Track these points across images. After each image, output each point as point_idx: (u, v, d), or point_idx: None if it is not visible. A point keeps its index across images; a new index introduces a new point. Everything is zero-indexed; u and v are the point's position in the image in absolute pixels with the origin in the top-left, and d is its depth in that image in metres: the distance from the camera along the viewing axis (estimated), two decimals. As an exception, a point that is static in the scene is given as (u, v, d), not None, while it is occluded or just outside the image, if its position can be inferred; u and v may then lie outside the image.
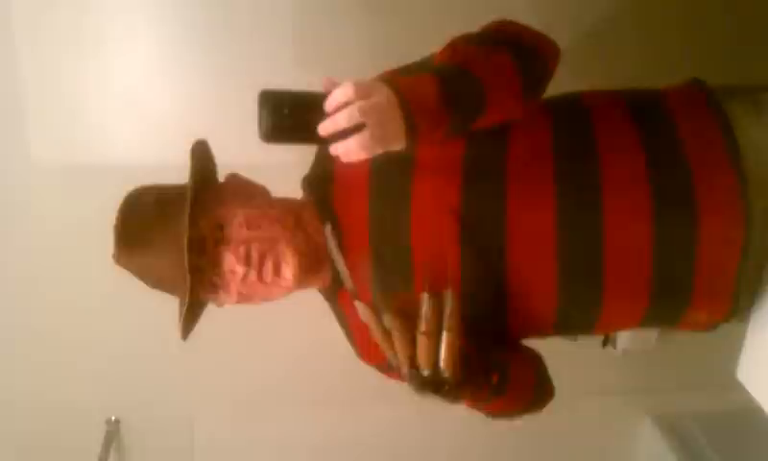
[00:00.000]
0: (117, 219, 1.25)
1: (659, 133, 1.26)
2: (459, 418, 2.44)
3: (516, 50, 1.19)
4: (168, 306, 2.12)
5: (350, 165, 1.06)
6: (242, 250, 1.22)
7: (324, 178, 1.33)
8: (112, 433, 2.46)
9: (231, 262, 1.22)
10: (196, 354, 2.34)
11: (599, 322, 1.30)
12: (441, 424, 2.53)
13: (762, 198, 1.21)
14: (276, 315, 2.25)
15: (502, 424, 2.50)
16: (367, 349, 1.35)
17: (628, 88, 1.37)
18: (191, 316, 1.28)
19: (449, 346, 1.07)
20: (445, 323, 1.07)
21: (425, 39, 1.26)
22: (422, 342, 1.08)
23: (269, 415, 2.54)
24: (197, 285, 1.22)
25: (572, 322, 1.31)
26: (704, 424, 2.52)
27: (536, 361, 1.40)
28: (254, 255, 1.23)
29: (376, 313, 1.14)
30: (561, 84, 1.32)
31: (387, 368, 1.22)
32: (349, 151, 1.01)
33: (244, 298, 1.28)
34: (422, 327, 1.08)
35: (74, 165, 2.10)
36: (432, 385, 1.09)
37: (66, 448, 2.38)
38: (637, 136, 1.24)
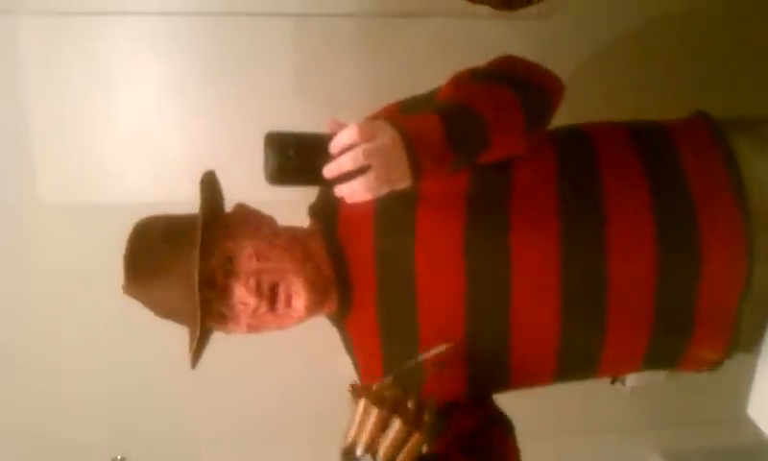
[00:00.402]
0: (126, 249, 1.25)
1: (662, 162, 1.26)
2: None
3: (519, 86, 1.20)
4: (173, 343, 2.11)
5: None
6: (252, 282, 1.22)
7: (330, 207, 1.33)
8: (119, 472, 2.43)
9: (242, 294, 1.22)
10: (203, 392, 2.33)
11: (601, 363, 1.30)
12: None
13: (765, 232, 1.21)
14: (285, 351, 2.27)
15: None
16: (371, 378, 1.33)
17: (631, 120, 1.38)
18: (200, 347, 1.27)
19: (411, 450, 1.04)
20: (420, 429, 1.04)
21: (425, 77, 1.28)
22: (394, 433, 1.05)
23: (277, 454, 2.51)
24: (206, 317, 1.22)
25: (574, 363, 1.30)
26: (712, 458, 2.51)
27: (509, 430, 1.36)
28: (265, 287, 1.23)
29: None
30: (562, 118, 1.33)
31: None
32: (354, 192, 1.01)
33: (253, 329, 1.28)
34: (397, 423, 1.05)
35: (81, 204, 2.11)
36: None
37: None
38: (641, 166, 1.25)
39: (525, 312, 1.22)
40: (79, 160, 2.09)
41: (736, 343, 1.28)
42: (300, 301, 1.24)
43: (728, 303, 1.23)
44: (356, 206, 1.25)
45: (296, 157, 1.02)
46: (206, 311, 1.21)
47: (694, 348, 1.28)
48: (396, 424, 1.04)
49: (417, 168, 1.03)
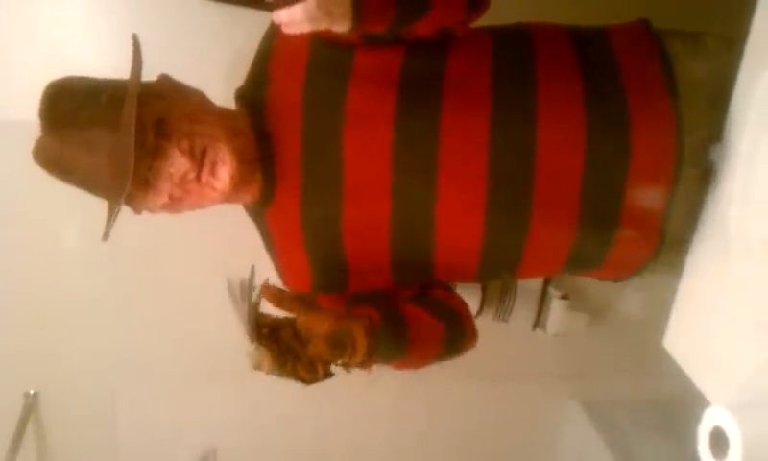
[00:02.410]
0: (44, 101, 1.14)
1: (598, 61, 1.26)
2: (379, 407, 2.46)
3: None
4: (89, 274, 2.07)
5: (287, 72, 1.09)
6: (185, 144, 1.16)
7: (257, 90, 1.29)
8: (30, 406, 2.38)
9: (175, 156, 1.15)
10: (119, 325, 2.30)
11: (525, 255, 1.28)
12: (367, 410, 2.53)
13: (695, 133, 1.22)
14: (206, 285, 2.23)
15: (427, 405, 2.53)
16: (290, 271, 1.33)
17: (573, 24, 1.37)
18: (118, 210, 1.15)
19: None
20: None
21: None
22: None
23: (193, 389, 2.49)
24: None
25: (497, 257, 1.29)
26: (630, 409, 2.55)
27: (450, 314, 1.36)
28: (197, 151, 1.17)
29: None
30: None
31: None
32: (293, 19, 1.00)
33: (174, 202, 1.20)
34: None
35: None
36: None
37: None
38: (577, 63, 1.25)
39: (450, 200, 1.21)
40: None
41: (661, 248, 1.28)
42: (225, 170, 1.18)
43: (654, 202, 1.23)
44: (285, 84, 1.26)
45: None
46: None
47: (619, 247, 1.27)
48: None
49: (358, 7, 1.02)
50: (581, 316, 2.27)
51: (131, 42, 1.17)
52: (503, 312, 2.15)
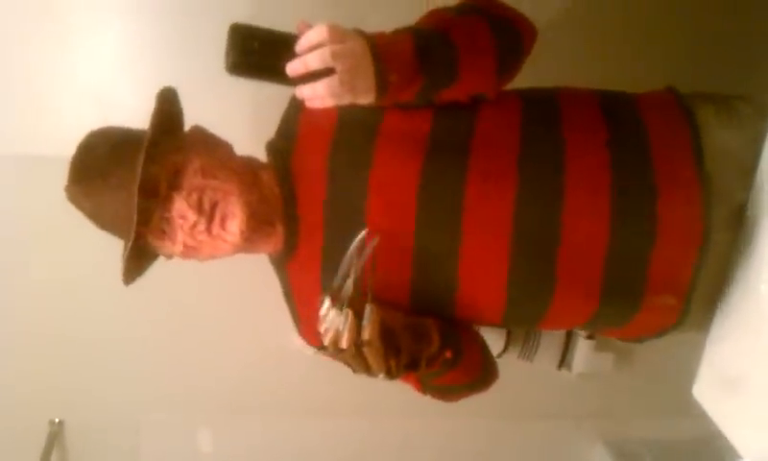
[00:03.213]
0: (75, 151, 1.22)
1: (625, 127, 1.25)
2: (406, 435, 2.45)
3: (493, 21, 1.19)
4: (117, 302, 2.08)
5: (315, 129, 1.09)
6: (194, 196, 1.20)
7: (286, 143, 1.31)
8: (55, 434, 2.38)
9: (182, 207, 1.20)
10: (144, 356, 2.31)
11: (547, 316, 1.28)
12: (394, 435, 2.51)
13: (723, 204, 1.21)
14: (232, 320, 2.25)
15: (450, 442, 2.51)
16: (310, 326, 1.32)
17: (602, 89, 1.36)
18: (135, 256, 1.23)
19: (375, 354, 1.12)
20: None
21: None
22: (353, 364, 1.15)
23: (218, 422, 2.49)
24: (144, 228, 1.19)
25: (520, 314, 1.29)
26: (656, 450, 2.51)
27: (480, 340, 1.40)
28: (206, 204, 1.20)
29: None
30: (528, 80, 1.32)
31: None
32: (316, 95, 1.01)
33: (190, 250, 1.25)
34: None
35: (32, 155, 2.03)
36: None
37: (6, 449, 2.32)
38: (606, 132, 1.23)
39: (474, 264, 1.21)
40: (32, 112, 2.03)
41: (686, 315, 1.26)
42: (234, 223, 1.21)
43: (680, 274, 1.21)
44: (313, 140, 1.26)
45: (260, 51, 1.02)
46: (145, 221, 1.19)
47: (643, 315, 1.26)
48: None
49: (383, 81, 1.03)
50: (607, 356, 2.25)
51: (158, 93, 1.24)
52: (528, 351, 2.14)
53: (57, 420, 2.40)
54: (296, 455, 2.53)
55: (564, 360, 2.23)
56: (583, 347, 2.20)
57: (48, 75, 2.01)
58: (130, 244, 1.17)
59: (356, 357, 1.13)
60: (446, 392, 1.40)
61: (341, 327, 1.12)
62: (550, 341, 2.17)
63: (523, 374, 2.21)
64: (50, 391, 2.35)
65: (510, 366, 2.15)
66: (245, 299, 2.16)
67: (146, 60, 2.01)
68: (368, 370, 1.15)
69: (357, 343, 1.12)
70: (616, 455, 2.51)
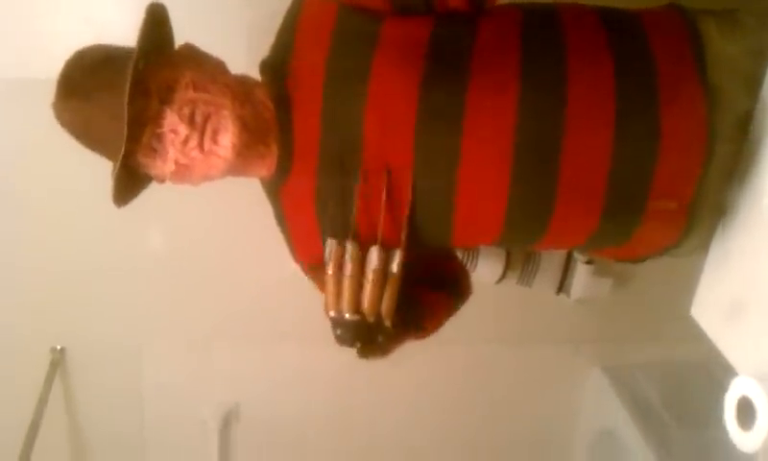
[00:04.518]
0: (63, 68, 1.19)
1: (629, 43, 1.23)
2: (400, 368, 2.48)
3: None
4: (116, 229, 2.07)
5: (312, 41, 1.10)
6: (186, 110, 1.17)
7: (281, 60, 1.28)
8: (57, 361, 2.42)
9: (174, 121, 1.17)
10: (145, 282, 2.32)
11: (546, 234, 1.27)
12: (389, 371, 2.52)
13: (729, 111, 1.20)
14: (230, 247, 2.25)
15: (447, 366, 2.53)
16: (301, 245, 1.35)
17: (604, 5, 1.33)
18: (125, 176, 1.21)
19: (391, 297, 1.19)
20: (390, 276, 1.19)
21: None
22: (369, 290, 1.20)
23: (221, 347, 2.52)
24: (135, 146, 1.17)
25: (518, 231, 1.28)
26: (653, 375, 2.54)
27: (450, 276, 1.44)
28: (198, 118, 1.18)
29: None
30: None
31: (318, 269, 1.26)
32: None
33: (182, 169, 1.22)
34: (370, 275, 1.20)
35: (23, 78, 1.98)
36: (366, 335, 1.22)
37: (8, 376, 2.34)
38: (607, 45, 1.21)
39: (473, 178, 1.19)
40: (25, 33, 2.01)
41: (688, 233, 1.26)
42: (226, 137, 1.19)
43: (685, 179, 1.21)
44: (309, 57, 1.24)
45: None
46: (135, 137, 1.16)
47: (645, 228, 1.25)
48: (370, 278, 1.20)
49: None
50: (605, 281, 2.25)
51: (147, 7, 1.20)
52: (527, 276, 2.15)
53: (58, 347, 2.43)
54: (294, 382, 2.57)
55: (562, 285, 2.23)
56: (581, 272, 2.20)
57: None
58: (119, 161, 1.15)
59: (375, 290, 1.19)
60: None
61: (374, 258, 1.20)
62: (549, 266, 2.17)
63: (522, 298, 2.22)
64: (51, 319, 2.37)
65: (508, 291, 2.17)
66: (242, 226, 2.15)
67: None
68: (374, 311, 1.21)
69: (385, 273, 1.20)
70: (614, 379, 2.54)
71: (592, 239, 1.30)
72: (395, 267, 1.20)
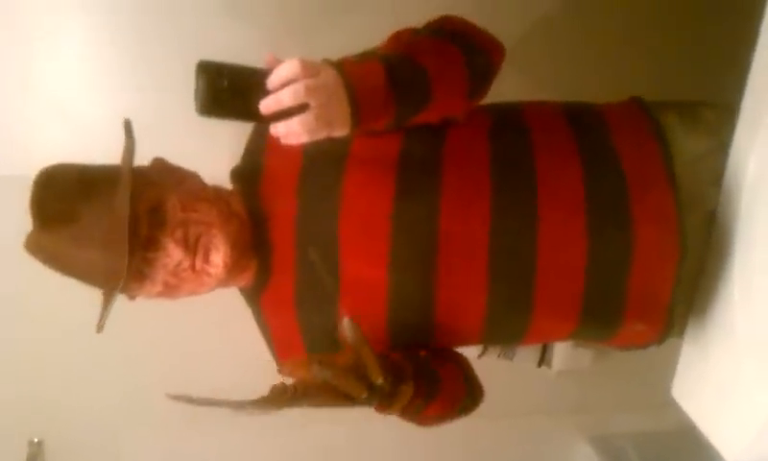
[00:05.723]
0: (33, 193, 1.12)
1: (596, 144, 1.23)
2: (392, 436, 2.45)
3: (462, 44, 1.18)
4: (90, 320, 2.05)
5: (283, 157, 1.05)
6: (179, 233, 1.15)
7: (252, 170, 1.28)
8: (34, 455, 2.36)
9: (168, 246, 1.14)
10: (122, 372, 2.29)
11: (526, 335, 1.28)
12: (375, 441, 2.50)
13: (696, 211, 1.21)
14: (204, 332, 2.23)
15: (432, 441, 2.50)
16: (285, 351, 1.31)
17: (568, 101, 1.36)
18: (111, 305, 1.17)
19: (368, 356, 1.03)
20: (355, 342, 1.03)
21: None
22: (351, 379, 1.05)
23: (199, 436, 2.47)
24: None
25: (499, 334, 1.29)
26: (639, 443, 2.53)
27: (463, 365, 1.36)
28: (191, 239, 1.16)
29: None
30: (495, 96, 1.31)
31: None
32: (291, 132, 0.98)
33: (170, 289, 1.19)
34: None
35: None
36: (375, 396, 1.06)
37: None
38: (576, 152, 1.22)
39: (451, 288, 1.19)
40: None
41: (671, 323, 1.26)
42: (218, 256, 1.17)
43: (662, 282, 1.21)
44: (281, 168, 1.23)
45: (229, 88, 0.97)
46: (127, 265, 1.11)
47: (625, 329, 1.26)
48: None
49: (357, 113, 1.01)
50: (586, 352, 2.26)
51: (122, 126, 1.17)
52: (508, 350, 2.15)
53: (35, 439, 2.37)
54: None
55: (543, 358, 2.24)
56: (562, 344, 2.21)
57: (10, 90, 1.97)
58: (113, 295, 1.12)
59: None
60: (433, 420, 1.33)
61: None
62: (529, 340, 2.18)
63: (504, 372, 2.21)
64: (28, 411, 2.31)
65: (490, 365, 2.16)
66: (224, 310, 2.13)
67: (110, 75, 1.99)
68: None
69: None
70: (599, 450, 2.53)
71: (575, 336, 1.31)
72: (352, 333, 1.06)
